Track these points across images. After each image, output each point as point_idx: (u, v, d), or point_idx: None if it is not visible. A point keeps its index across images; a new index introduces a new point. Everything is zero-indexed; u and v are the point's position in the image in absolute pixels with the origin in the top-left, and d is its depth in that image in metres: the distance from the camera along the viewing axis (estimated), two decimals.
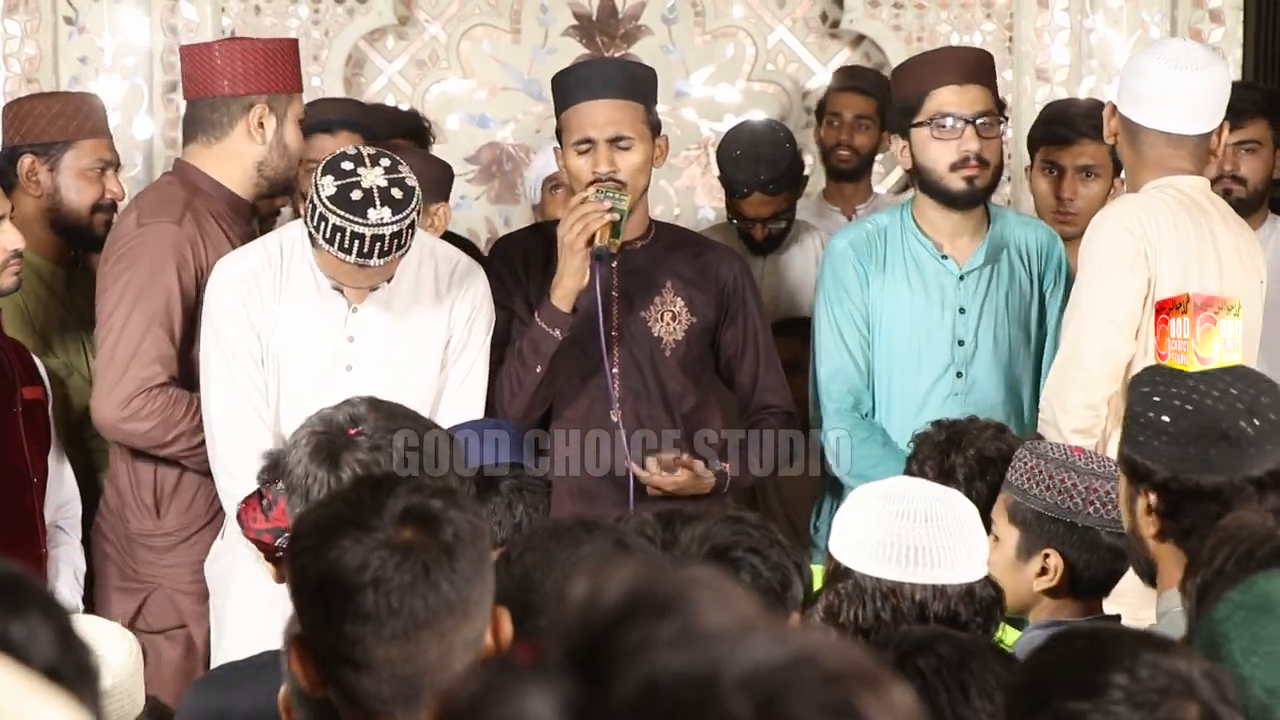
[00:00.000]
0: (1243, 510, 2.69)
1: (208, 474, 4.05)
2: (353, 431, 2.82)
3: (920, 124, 4.22)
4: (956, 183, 4.22)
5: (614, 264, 4.16)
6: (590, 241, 3.98)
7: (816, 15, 5.80)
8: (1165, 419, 2.82)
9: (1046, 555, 3.05)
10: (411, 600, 2.04)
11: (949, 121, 4.20)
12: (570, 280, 4.03)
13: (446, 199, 4.77)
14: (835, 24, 5.74)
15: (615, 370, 4.16)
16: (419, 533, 2.07)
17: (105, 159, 4.52)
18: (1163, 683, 1.88)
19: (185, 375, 4.10)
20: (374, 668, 2.07)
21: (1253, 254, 4.04)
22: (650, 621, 1.00)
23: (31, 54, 5.50)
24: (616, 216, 3.99)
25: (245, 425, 3.91)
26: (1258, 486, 2.80)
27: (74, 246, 4.56)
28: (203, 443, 4.02)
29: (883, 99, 5.39)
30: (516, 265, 4.23)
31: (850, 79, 5.54)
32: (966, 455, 3.38)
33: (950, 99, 4.21)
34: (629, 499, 4.08)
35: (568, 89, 4.17)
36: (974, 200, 4.26)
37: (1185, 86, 3.91)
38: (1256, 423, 2.81)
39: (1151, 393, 2.86)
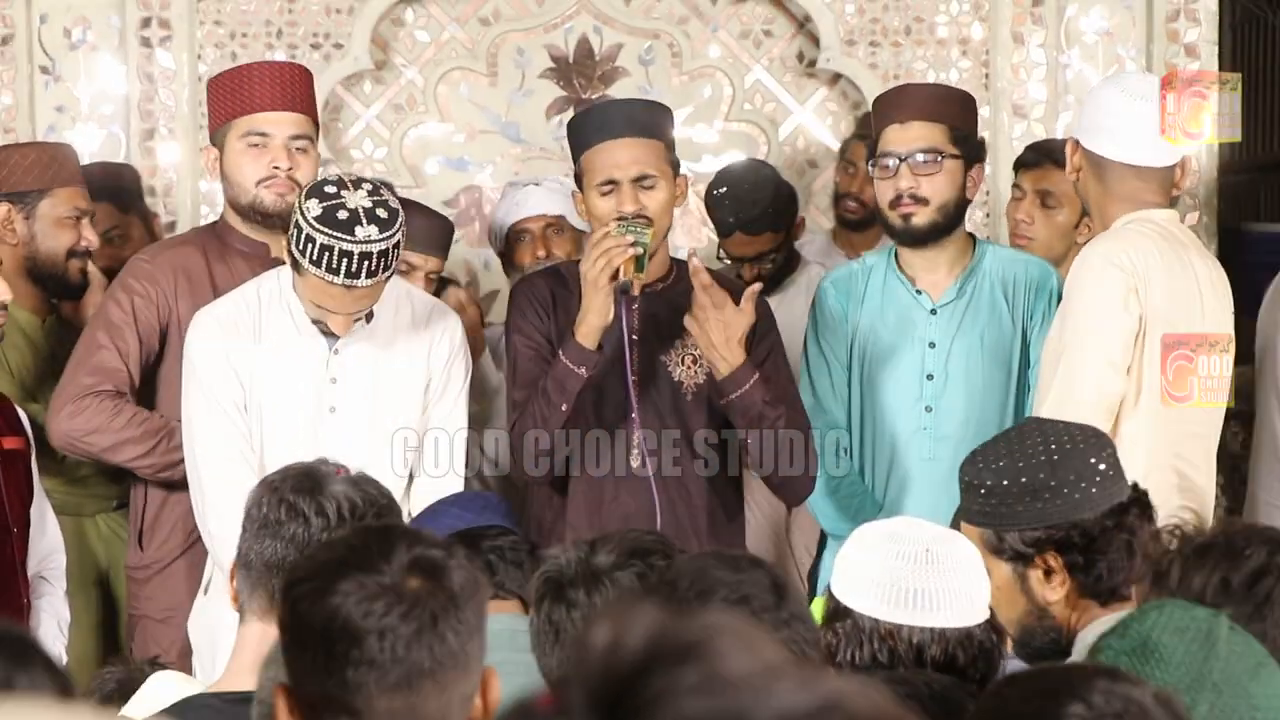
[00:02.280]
0: (1143, 534, 2.80)
1: (174, 492, 4.11)
2: (338, 472, 2.89)
3: (872, 164, 4.28)
4: (895, 220, 4.26)
5: (634, 307, 4.06)
6: (614, 277, 3.91)
7: (793, 54, 5.81)
8: (1006, 481, 2.89)
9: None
10: (417, 649, 2.02)
11: (887, 160, 4.25)
12: (595, 317, 3.92)
13: (445, 255, 4.77)
14: (812, 63, 5.75)
15: (635, 415, 4.06)
16: (426, 582, 2.05)
17: (80, 207, 4.53)
18: (1118, 707, 1.89)
19: (149, 403, 4.19)
20: (371, 717, 2.03)
21: (1224, 286, 4.05)
22: (674, 668, 0.99)
23: (8, 104, 5.49)
24: (640, 250, 3.90)
25: (232, 468, 3.91)
26: (1140, 510, 2.91)
27: (50, 294, 4.56)
28: (150, 452, 4.10)
29: None
30: (538, 304, 4.14)
31: (866, 127, 5.51)
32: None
33: (892, 137, 4.26)
34: (653, 503, 4.03)
35: (587, 131, 4.08)
36: (914, 238, 4.25)
37: (1150, 118, 3.92)
38: (1102, 465, 2.91)
39: (984, 464, 2.93)
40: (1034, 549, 2.85)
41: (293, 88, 4.22)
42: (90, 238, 4.53)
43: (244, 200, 4.18)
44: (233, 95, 4.18)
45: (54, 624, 4.09)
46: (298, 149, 4.17)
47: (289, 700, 2.08)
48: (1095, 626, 2.83)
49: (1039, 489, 2.85)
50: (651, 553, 2.55)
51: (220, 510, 3.90)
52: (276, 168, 4.11)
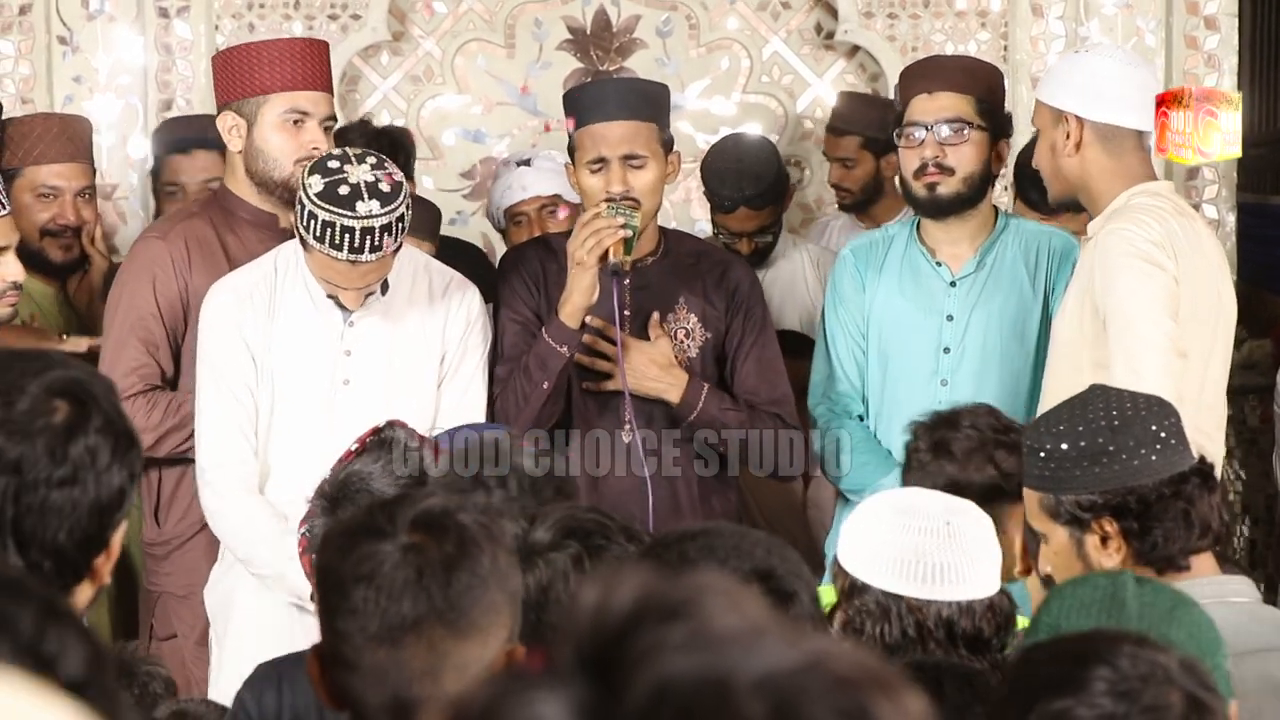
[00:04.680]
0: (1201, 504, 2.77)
1: (191, 467, 4.07)
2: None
3: (899, 134, 4.28)
4: (920, 190, 4.24)
5: (626, 282, 4.10)
6: (603, 258, 3.95)
7: (811, 27, 5.80)
8: (1066, 445, 2.87)
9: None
10: (400, 600, 2.04)
11: (914, 130, 4.24)
12: (579, 297, 3.98)
13: (434, 241, 4.79)
14: (830, 35, 5.74)
15: (626, 391, 4.09)
16: (425, 537, 2.07)
17: (51, 185, 4.53)
18: (1144, 670, 1.91)
19: (178, 381, 4.17)
20: (362, 670, 2.06)
21: (1222, 255, 4.06)
22: (662, 625, 1.00)
23: (26, 74, 5.49)
24: (629, 233, 3.95)
25: (231, 447, 3.93)
26: (1201, 480, 2.87)
27: (36, 273, 4.57)
28: (193, 434, 4.05)
29: (871, 127, 5.39)
30: (527, 278, 4.19)
31: (833, 119, 5.55)
32: (963, 430, 3.35)
33: (919, 107, 4.25)
34: (648, 506, 4.04)
35: (581, 108, 4.14)
36: (939, 208, 4.24)
37: (1142, 82, 3.95)
38: (1164, 434, 2.88)
39: (1046, 429, 2.90)
40: (1090, 514, 2.83)
41: (326, 67, 4.24)
42: (66, 215, 4.53)
43: (277, 176, 4.14)
44: (273, 68, 4.14)
45: None
46: (326, 129, 4.18)
47: (316, 662, 2.13)
48: None
49: (1098, 454, 2.84)
50: (590, 534, 2.49)
51: (218, 487, 3.94)
52: (316, 149, 4.09)
